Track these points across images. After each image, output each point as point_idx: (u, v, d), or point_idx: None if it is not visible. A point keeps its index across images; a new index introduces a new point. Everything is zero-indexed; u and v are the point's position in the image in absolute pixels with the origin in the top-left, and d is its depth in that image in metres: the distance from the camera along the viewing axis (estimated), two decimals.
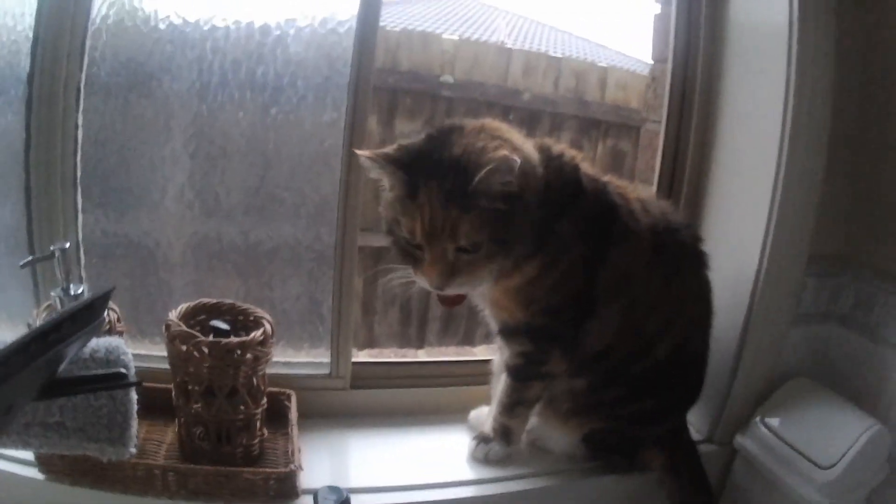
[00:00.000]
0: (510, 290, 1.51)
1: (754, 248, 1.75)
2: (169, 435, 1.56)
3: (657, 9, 2.06)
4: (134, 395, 1.24)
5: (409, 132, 4.34)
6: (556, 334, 1.55)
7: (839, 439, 1.62)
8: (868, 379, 1.80)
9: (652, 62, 2.16)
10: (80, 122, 1.57)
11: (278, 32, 1.63)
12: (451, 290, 1.43)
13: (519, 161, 1.33)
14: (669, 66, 1.98)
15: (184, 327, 1.42)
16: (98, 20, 1.55)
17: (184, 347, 1.40)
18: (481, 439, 1.69)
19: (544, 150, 1.50)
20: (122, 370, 1.17)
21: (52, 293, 1.39)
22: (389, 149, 1.43)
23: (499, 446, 1.66)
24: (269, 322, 1.52)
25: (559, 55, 4.94)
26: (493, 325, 1.64)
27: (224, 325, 1.51)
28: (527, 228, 1.42)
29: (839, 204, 1.83)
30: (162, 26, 1.59)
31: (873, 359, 1.80)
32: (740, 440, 1.79)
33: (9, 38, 1.51)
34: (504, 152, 1.34)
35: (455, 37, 4.59)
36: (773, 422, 1.75)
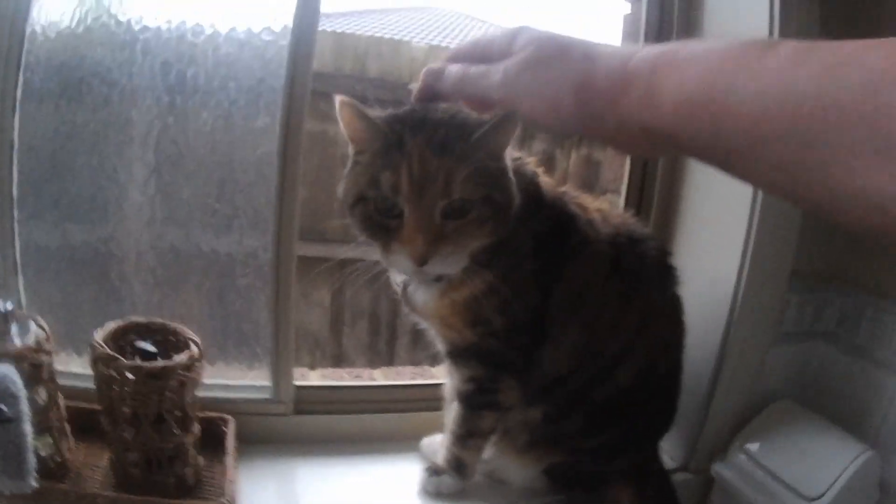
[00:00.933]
0: (457, 304, 1.36)
1: (733, 262, 1.64)
2: (106, 460, 1.42)
3: (626, 8, 1.95)
4: (27, 428, 1.12)
5: None
6: (506, 360, 1.41)
7: (827, 467, 1.52)
8: (855, 399, 1.70)
9: None
10: (16, 130, 1.47)
11: (210, 32, 1.52)
12: (434, 266, 1.20)
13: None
14: None
15: (107, 349, 1.29)
16: (34, 24, 1.45)
17: (106, 371, 1.27)
18: (433, 471, 1.55)
19: None
20: None
21: None
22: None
23: (451, 479, 1.53)
24: (196, 345, 1.38)
25: None
26: (442, 347, 1.49)
27: (151, 348, 1.38)
28: (512, 203, 1.26)
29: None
30: (95, 27, 1.48)
31: (860, 378, 1.70)
32: (718, 468, 1.67)
33: None
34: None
35: (425, 44, 4.50)
36: (754, 448, 1.63)
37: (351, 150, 1.27)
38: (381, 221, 1.21)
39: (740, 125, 0.66)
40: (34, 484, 1.14)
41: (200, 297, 1.66)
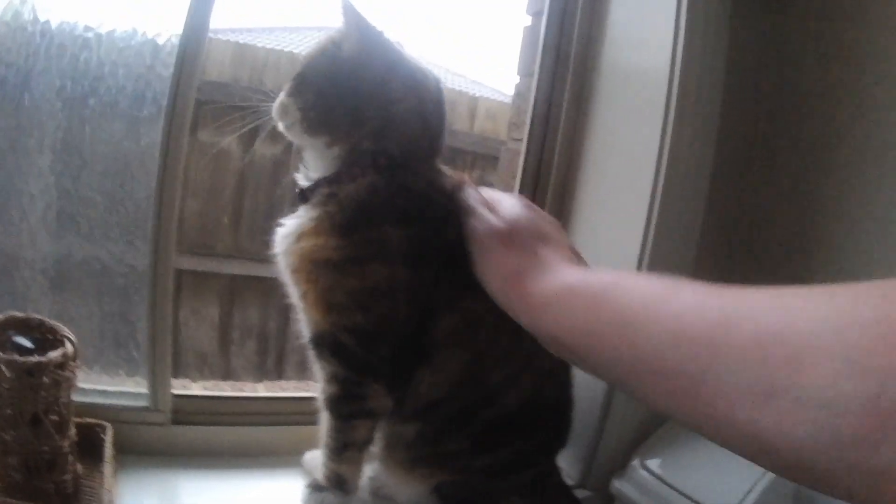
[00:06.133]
0: (305, 256, 1.26)
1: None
2: None
3: (527, 21, 2.01)
4: None
5: (272, 155, 4.23)
6: (368, 365, 1.29)
7: (737, 481, 1.45)
8: None
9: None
10: None
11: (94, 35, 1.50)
12: None
13: None
14: (535, 77, 1.89)
15: None
16: None
17: None
18: (315, 488, 1.42)
19: None
20: None
21: None
22: None
23: (333, 496, 1.40)
24: (71, 343, 1.29)
25: None
26: (305, 331, 1.36)
27: (27, 343, 1.29)
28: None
29: (719, 235, 1.74)
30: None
31: None
32: (618, 485, 1.60)
33: None
34: None
35: None
36: (655, 464, 1.58)
37: None
38: None
39: (640, 356, 0.78)
40: None
41: (80, 298, 1.59)
